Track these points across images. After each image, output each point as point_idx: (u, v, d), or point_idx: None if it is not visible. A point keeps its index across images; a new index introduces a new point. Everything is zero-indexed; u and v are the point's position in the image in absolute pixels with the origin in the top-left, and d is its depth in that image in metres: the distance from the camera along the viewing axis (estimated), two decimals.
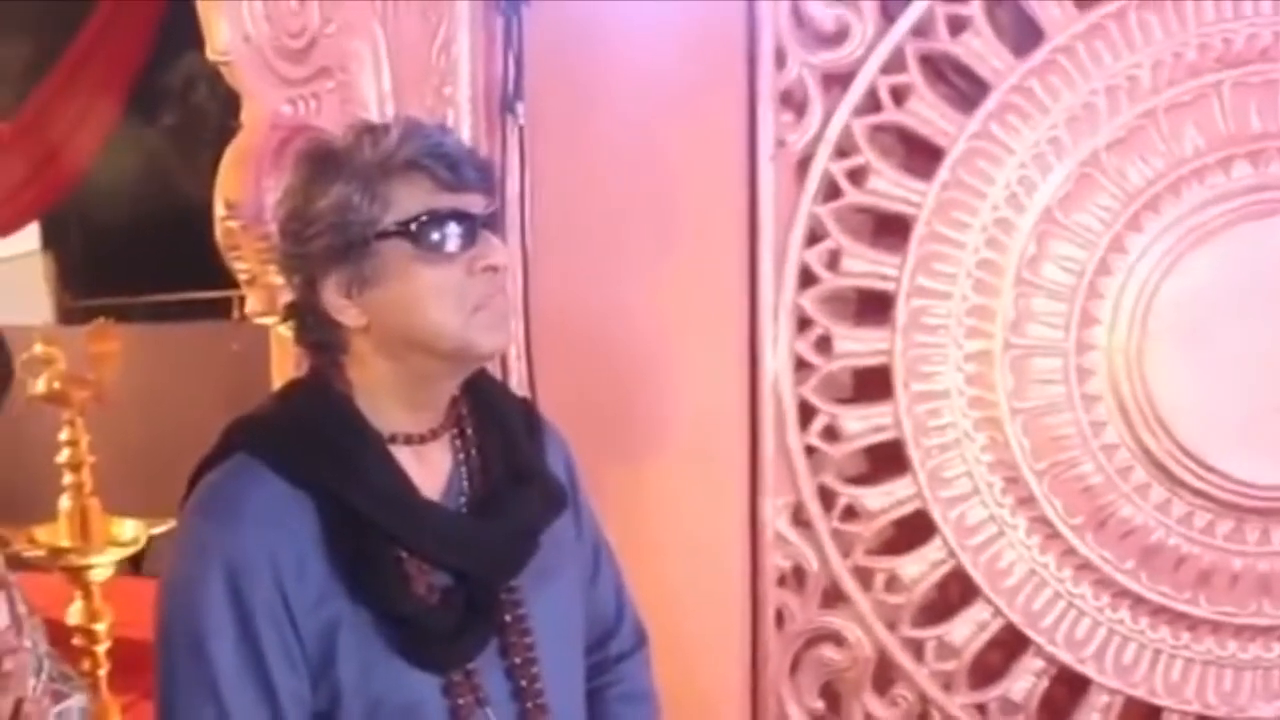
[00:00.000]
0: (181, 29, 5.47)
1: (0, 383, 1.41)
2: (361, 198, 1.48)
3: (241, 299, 6.57)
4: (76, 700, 1.55)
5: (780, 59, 2.39)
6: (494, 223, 1.56)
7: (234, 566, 1.49)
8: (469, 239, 1.51)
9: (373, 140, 1.50)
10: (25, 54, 6.07)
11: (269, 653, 1.49)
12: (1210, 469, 2.37)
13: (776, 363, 2.45)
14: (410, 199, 1.49)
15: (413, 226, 1.48)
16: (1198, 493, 2.39)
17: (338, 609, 1.51)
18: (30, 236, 7.24)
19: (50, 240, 7.74)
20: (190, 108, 7.38)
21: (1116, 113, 2.34)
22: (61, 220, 7.39)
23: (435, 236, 1.49)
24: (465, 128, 2.24)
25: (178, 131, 7.50)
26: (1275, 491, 2.39)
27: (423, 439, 1.60)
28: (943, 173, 2.38)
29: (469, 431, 1.65)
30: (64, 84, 5.73)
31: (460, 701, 1.55)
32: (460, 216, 1.50)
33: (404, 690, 1.53)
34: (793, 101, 2.42)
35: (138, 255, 7.07)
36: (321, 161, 1.52)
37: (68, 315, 7.44)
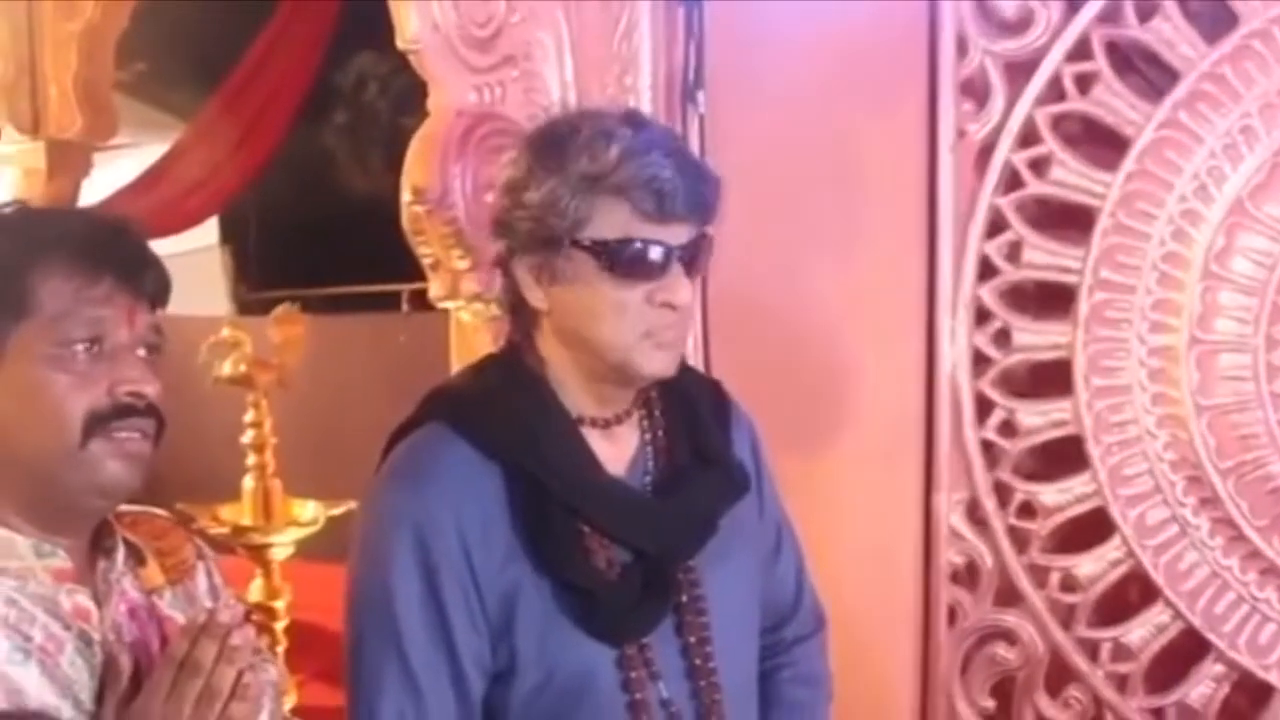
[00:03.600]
0: (353, 31, 5.63)
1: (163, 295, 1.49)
2: (569, 203, 1.50)
3: (413, 293, 6.73)
4: (269, 673, 1.59)
5: (962, 47, 2.37)
6: (697, 251, 1.55)
7: (421, 529, 1.53)
8: (658, 270, 1.52)
9: (593, 153, 1.50)
10: (201, 56, 6.27)
11: (453, 614, 1.53)
12: None
13: (954, 355, 2.43)
14: (610, 222, 1.50)
15: (605, 248, 1.51)
16: None
17: (519, 575, 1.55)
18: (209, 231, 7.48)
19: (228, 235, 7.99)
20: (361, 107, 7.56)
21: None
22: (238, 216, 7.62)
23: (624, 263, 1.51)
24: None
25: (348, 130, 7.68)
26: None
27: (608, 423, 1.63)
28: (1128, 163, 2.33)
29: (656, 413, 1.68)
30: (242, 86, 5.90)
31: (633, 674, 1.57)
32: (655, 247, 1.51)
33: (579, 659, 1.56)
34: (974, 91, 2.40)
35: (310, 250, 7.26)
36: (549, 151, 1.53)
37: (244, 307, 7.69)
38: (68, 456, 1.32)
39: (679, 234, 1.52)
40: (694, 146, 2.27)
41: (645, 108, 2.25)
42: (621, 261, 1.51)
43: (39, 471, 1.34)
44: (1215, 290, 2.32)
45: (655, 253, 1.51)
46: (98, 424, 1.32)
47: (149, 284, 1.37)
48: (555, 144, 1.53)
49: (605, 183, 1.49)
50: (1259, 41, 2.27)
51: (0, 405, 1.33)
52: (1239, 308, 2.32)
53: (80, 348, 1.32)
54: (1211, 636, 2.41)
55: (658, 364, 1.56)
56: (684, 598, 1.62)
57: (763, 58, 2.39)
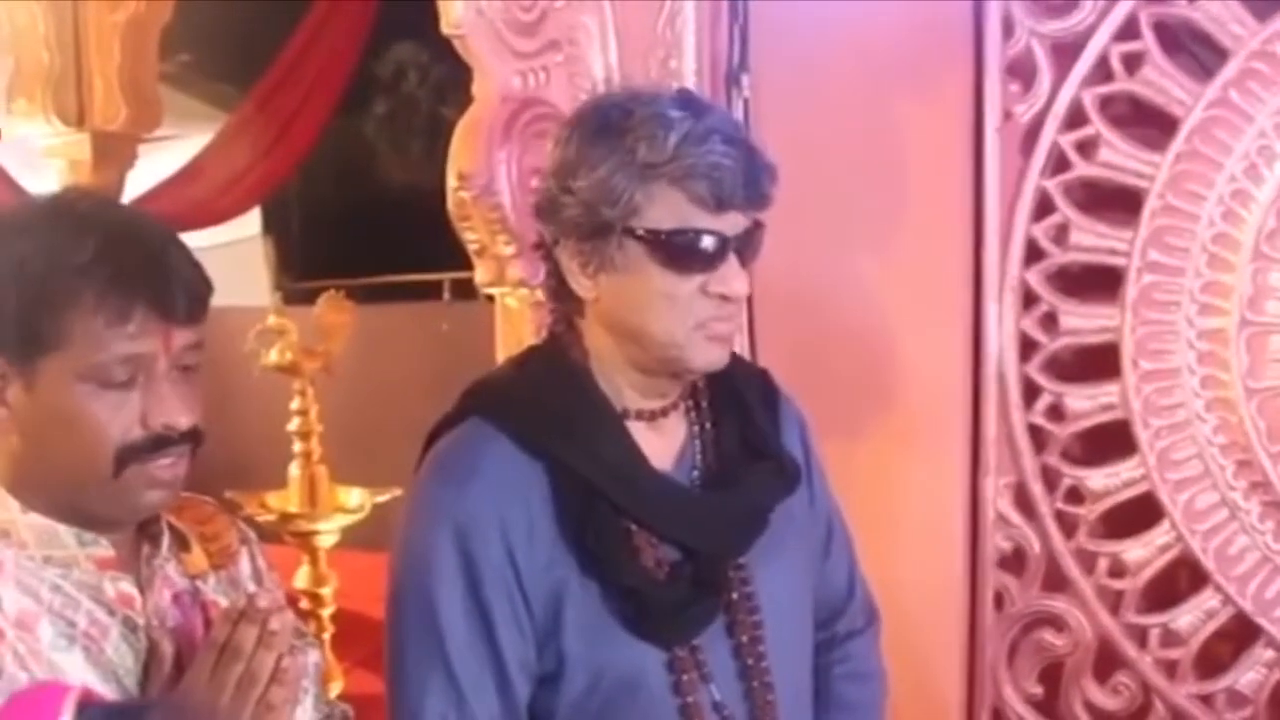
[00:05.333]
0: (393, 21, 5.64)
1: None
2: (623, 191, 1.46)
3: (454, 282, 6.74)
4: (312, 656, 1.58)
5: (1008, 28, 2.36)
6: (750, 240, 1.52)
7: (464, 530, 1.50)
8: (713, 261, 1.48)
9: (650, 139, 1.45)
10: (243, 48, 6.31)
11: (497, 619, 1.51)
12: None
13: (1001, 339, 2.41)
14: (666, 211, 1.46)
15: (659, 238, 1.47)
16: None
17: (565, 575, 1.52)
18: (251, 222, 7.51)
19: (270, 225, 8.03)
20: (401, 97, 7.58)
21: None
22: (280, 206, 7.66)
23: (678, 253, 1.47)
24: None
25: (389, 120, 7.71)
26: None
27: (654, 415, 1.59)
28: (1177, 143, 2.31)
29: (704, 404, 1.64)
30: (284, 78, 5.92)
31: (684, 677, 1.54)
32: (711, 237, 1.47)
33: (627, 662, 1.53)
34: (1020, 72, 2.38)
35: (351, 239, 7.29)
36: (600, 136, 1.48)
37: (286, 297, 7.72)
38: (101, 485, 1.32)
39: (735, 223, 1.49)
40: None
41: None
42: (676, 252, 1.47)
43: (74, 492, 1.35)
44: (1266, 272, 2.29)
45: (711, 243, 1.47)
46: (131, 456, 1.32)
47: (182, 305, 1.33)
48: (607, 128, 1.48)
49: (662, 171, 1.45)
50: None
51: (34, 430, 1.33)
52: None
53: (112, 381, 1.30)
54: (1262, 622, 2.38)
55: (709, 356, 1.53)
56: (735, 596, 1.59)
57: (807, 40, 2.38)
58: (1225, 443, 2.35)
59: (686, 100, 1.52)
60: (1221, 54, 2.30)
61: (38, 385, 1.31)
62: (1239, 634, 2.43)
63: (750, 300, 2.25)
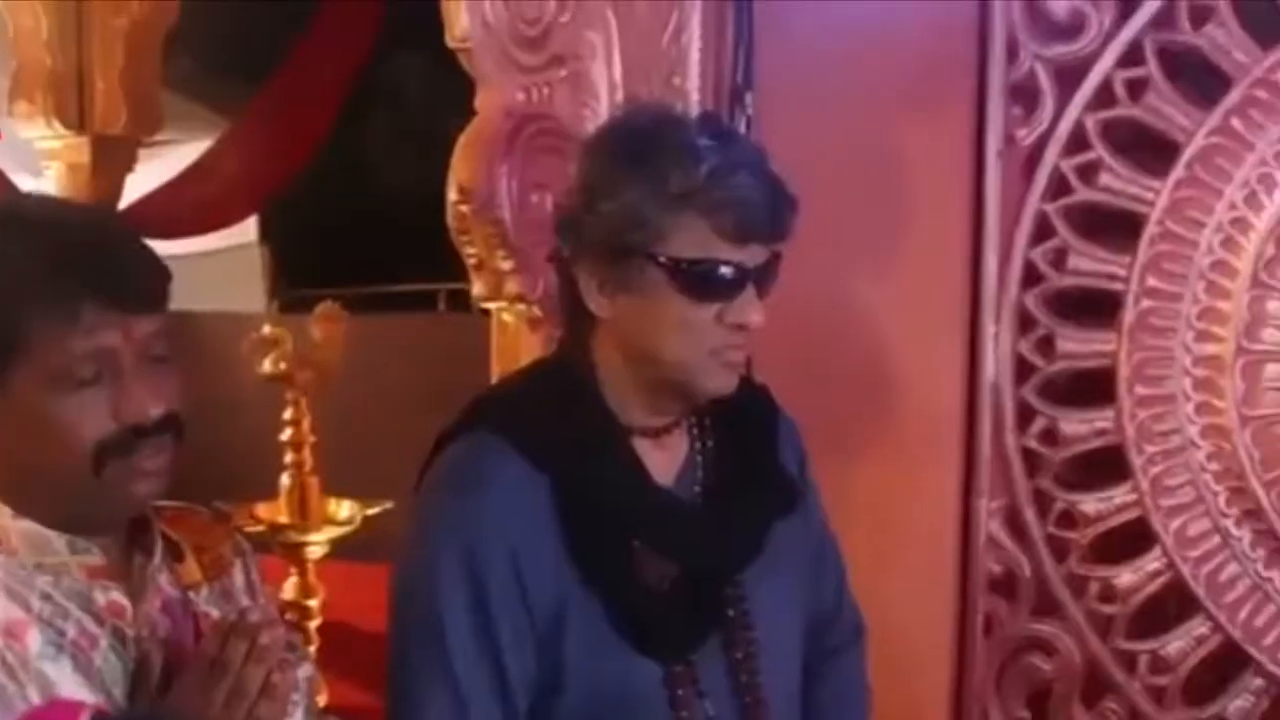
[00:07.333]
0: (396, 30, 5.65)
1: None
2: (650, 218, 1.48)
3: (448, 292, 6.72)
4: (304, 670, 1.58)
5: (1012, 51, 2.36)
6: (769, 271, 1.55)
7: (470, 543, 1.52)
8: (732, 291, 1.51)
9: (682, 169, 1.47)
10: (246, 54, 6.32)
11: (501, 633, 1.52)
12: None
13: (997, 362, 2.41)
14: (691, 240, 1.49)
15: (681, 266, 1.49)
16: None
17: (567, 589, 1.53)
18: (249, 229, 7.50)
19: (267, 233, 8.02)
20: (401, 107, 7.58)
21: None
22: (278, 214, 7.65)
23: (699, 282, 1.50)
24: None
25: (389, 130, 7.70)
26: None
27: (657, 432, 1.61)
28: (1178, 170, 2.31)
29: (706, 421, 1.66)
30: (286, 85, 5.93)
31: (679, 692, 1.56)
32: (732, 268, 1.50)
33: (625, 676, 1.55)
34: (1023, 96, 2.38)
35: (347, 249, 7.29)
36: (630, 160, 1.51)
37: (282, 305, 7.71)
38: (85, 485, 1.32)
39: (755, 255, 1.52)
40: None
41: (693, 109, 2.24)
42: (696, 281, 1.49)
43: (63, 496, 1.34)
44: (1263, 300, 2.29)
45: (731, 274, 1.50)
46: (109, 452, 1.31)
47: (134, 294, 1.32)
48: (637, 152, 1.51)
49: (691, 200, 1.47)
50: None
51: (15, 440, 1.32)
52: None
53: (78, 380, 1.29)
54: (1251, 649, 2.38)
55: (720, 382, 1.56)
56: (731, 613, 1.61)
57: (811, 60, 2.38)
58: (1219, 470, 2.35)
59: (712, 126, 1.57)
60: (1224, 81, 2.30)
61: (11, 396, 1.30)
62: (1228, 661, 2.42)
63: None
